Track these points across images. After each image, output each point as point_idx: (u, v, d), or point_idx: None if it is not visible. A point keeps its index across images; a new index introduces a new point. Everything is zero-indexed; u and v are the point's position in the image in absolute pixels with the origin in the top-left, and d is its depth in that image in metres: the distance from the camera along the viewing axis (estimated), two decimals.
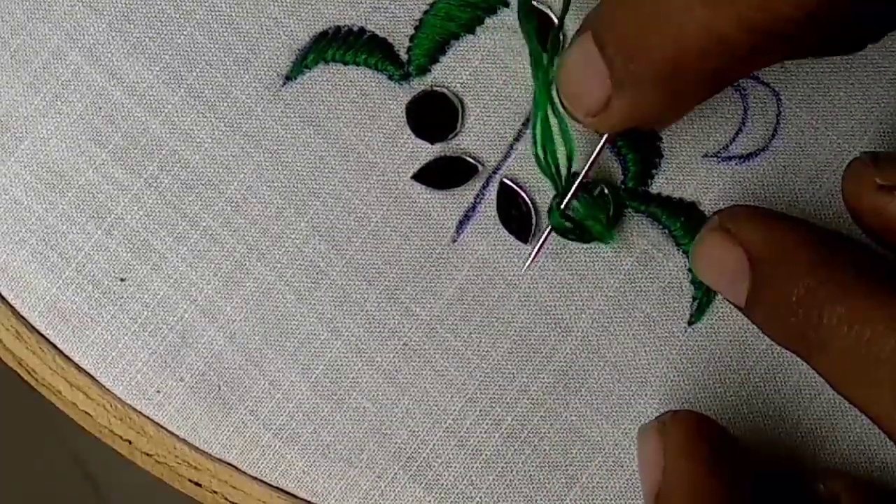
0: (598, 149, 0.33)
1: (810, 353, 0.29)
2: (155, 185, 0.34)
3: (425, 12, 0.34)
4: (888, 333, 0.28)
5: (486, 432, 0.34)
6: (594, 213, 0.33)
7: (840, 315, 0.28)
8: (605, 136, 0.33)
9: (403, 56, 0.34)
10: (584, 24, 0.31)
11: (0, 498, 0.68)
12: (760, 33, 0.28)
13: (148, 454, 0.35)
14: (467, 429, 0.34)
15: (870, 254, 0.31)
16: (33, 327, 0.35)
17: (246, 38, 0.34)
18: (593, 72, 0.30)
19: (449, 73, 0.34)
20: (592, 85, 0.30)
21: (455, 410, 0.34)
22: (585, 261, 0.34)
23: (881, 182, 0.31)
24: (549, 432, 0.34)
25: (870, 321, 0.28)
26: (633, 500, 0.34)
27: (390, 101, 0.34)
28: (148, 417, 0.35)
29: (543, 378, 0.34)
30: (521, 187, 0.34)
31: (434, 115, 0.34)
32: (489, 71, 0.34)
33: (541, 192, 0.34)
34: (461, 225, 0.34)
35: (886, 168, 0.31)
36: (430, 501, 0.34)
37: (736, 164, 0.34)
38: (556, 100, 0.32)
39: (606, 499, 0.34)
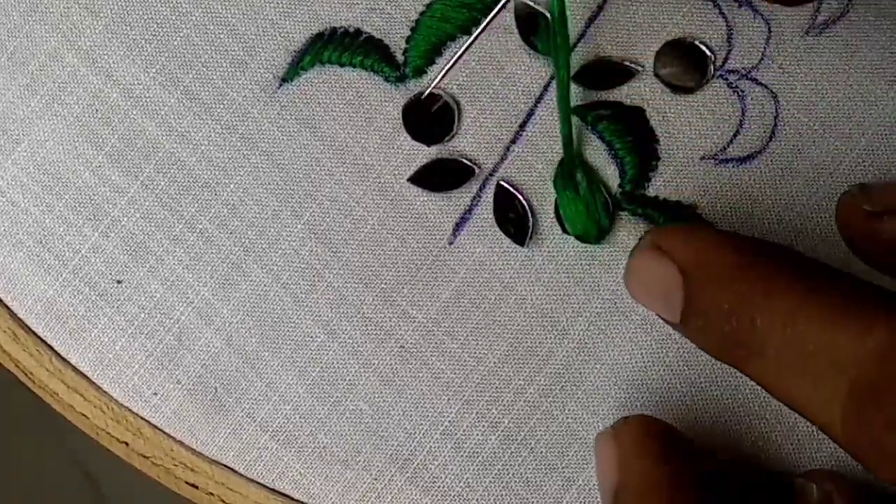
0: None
1: (748, 360, 0.29)
2: (151, 187, 0.34)
3: (421, 14, 0.34)
4: (824, 327, 0.28)
5: (482, 434, 0.34)
6: (590, 206, 0.33)
7: (774, 315, 0.28)
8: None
9: (400, 58, 0.34)
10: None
11: (0, 498, 0.68)
12: None
13: (145, 456, 0.35)
14: (464, 431, 0.34)
15: (798, 254, 0.31)
16: (30, 329, 0.35)
17: (242, 40, 0.34)
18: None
19: (447, 74, 0.34)
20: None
21: (452, 413, 0.34)
22: (582, 264, 0.34)
23: (869, 208, 0.31)
24: (545, 434, 0.34)
25: (804, 318, 0.28)
26: None
27: (387, 103, 0.34)
28: (145, 419, 0.35)
29: (540, 380, 0.34)
30: (517, 189, 0.34)
31: (430, 117, 0.34)
32: (485, 72, 0.34)
33: (537, 195, 0.34)
34: (458, 227, 0.34)
35: (874, 195, 0.31)
36: (426, 503, 0.34)
37: (733, 166, 0.34)
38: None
39: None
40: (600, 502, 0.32)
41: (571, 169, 0.34)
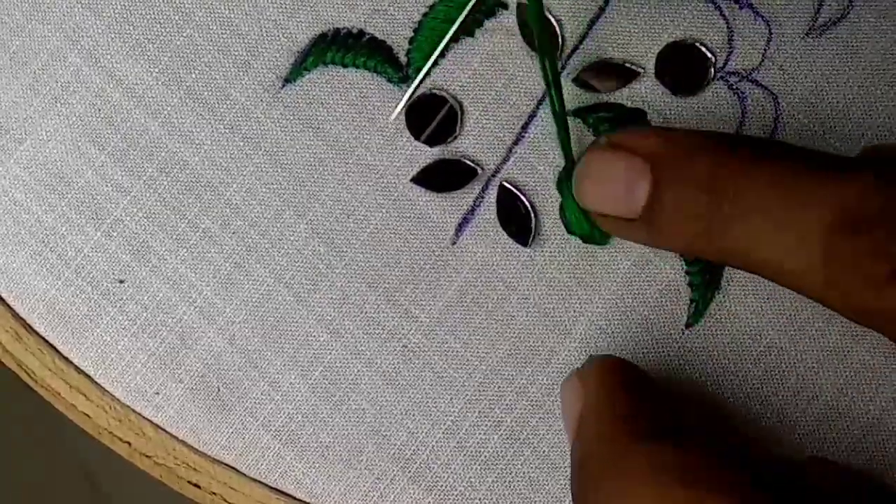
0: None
1: (725, 231, 0.29)
2: (154, 186, 0.34)
3: (424, 15, 0.34)
4: (808, 179, 0.28)
5: (485, 434, 0.34)
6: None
7: (757, 176, 0.29)
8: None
9: (402, 59, 0.34)
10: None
11: (0, 498, 0.68)
12: None
13: (147, 456, 0.35)
14: (466, 430, 0.34)
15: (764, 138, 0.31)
16: (33, 329, 0.35)
17: (245, 41, 0.34)
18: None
19: (448, 75, 0.34)
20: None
21: (454, 412, 0.34)
22: (583, 264, 0.34)
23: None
24: (548, 433, 0.34)
25: (788, 174, 0.29)
26: None
27: (390, 104, 0.34)
28: (147, 419, 0.35)
29: (542, 379, 0.34)
30: (520, 190, 0.34)
31: (433, 118, 0.34)
32: (488, 74, 0.34)
33: (540, 195, 0.34)
34: (460, 227, 0.34)
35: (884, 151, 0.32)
36: (429, 503, 0.34)
37: None
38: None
39: None
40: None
41: (572, 170, 0.34)
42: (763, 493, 0.27)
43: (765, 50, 0.34)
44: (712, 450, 0.28)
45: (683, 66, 0.34)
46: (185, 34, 0.34)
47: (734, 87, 0.34)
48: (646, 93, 0.34)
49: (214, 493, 0.35)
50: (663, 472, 0.28)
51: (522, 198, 0.34)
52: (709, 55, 0.34)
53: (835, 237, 0.28)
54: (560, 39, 0.34)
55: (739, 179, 0.29)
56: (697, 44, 0.34)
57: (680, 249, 0.31)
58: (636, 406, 0.30)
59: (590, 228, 0.34)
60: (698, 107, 0.34)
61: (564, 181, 0.34)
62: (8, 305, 0.35)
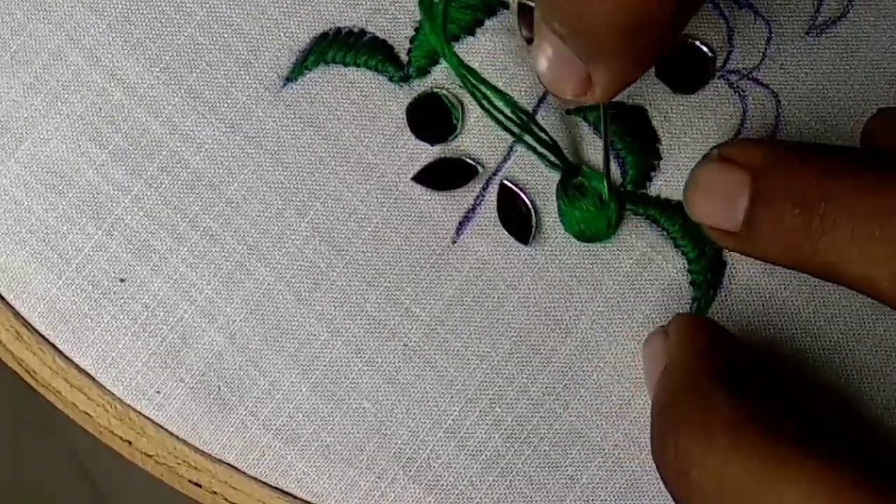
0: (603, 120, 0.33)
1: (817, 243, 0.29)
2: (155, 185, 0.34)
3: None
4: None
5: (486, 433, 0.34)
6: (596, 209, 0.34)
7: (852, 191, 0.29)
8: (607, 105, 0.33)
9: (404, 58, 0.34)
10: (536, 12, 0.31)
11: (0, 498, 0.68)
12: None
13: (148, 455, 0.35)
14: (467, 429, 0.34)
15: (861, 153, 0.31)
16: (33, 328, 0.35)
17: (246, 40, 0.34)
18: (561, 58, 0.30)
19: (449, 74, 0.34)
20: (567, 71, 0.30)
21: (455, 411, 0.34)
22: (585, 263, 0.34)
23: None
24: (548, 433, 0.34)
25: (880, 187, 0.28)
26: (633, 500, 0.34)
27: (391, 103, 0.34)
28: (148, 418, 0.35)
29: (543, 379, 0.34)
30: (520, 189, 0.34)
31: (434, 117, 0.34)
32: (489, 73, 0.34)
33: (540, 194, 0.34)
34: (461, 226, 0.34)
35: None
36: (430, 502, 0.34)
37: None
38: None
39: (606, 499, 0.34)
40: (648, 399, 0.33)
41: (568, 171, 0.34)
42: (842, 457, 0.27)
43: (765, 48, 0.34)
44: (791, 411, 0.29)
45: (684, 64, 0.34)
46: (186, 33, 0.34)
47: (734, 85, 0.34)
48: (646, 91, 0.34)
49: (215, 493, 0.35)
50: (745, 423, 0.28)
51: (523, 196, 0.34)
52: (709, 54, 0.34)
53: None
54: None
55: (830, 189, 0.29)
56: (698, 42, 0.34)
57: (783, 264, 0.31)
58: (722, 360, 0.31)
59: (584, 227, 0.34)
60: (699, 105, 0.34)
61: (560, 182, 0.34)
62: (8, 304, 0.35)
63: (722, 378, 0.30)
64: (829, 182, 0.29)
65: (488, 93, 0.33)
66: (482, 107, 0.33)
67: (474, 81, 0.33)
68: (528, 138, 0.34)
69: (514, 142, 0.34)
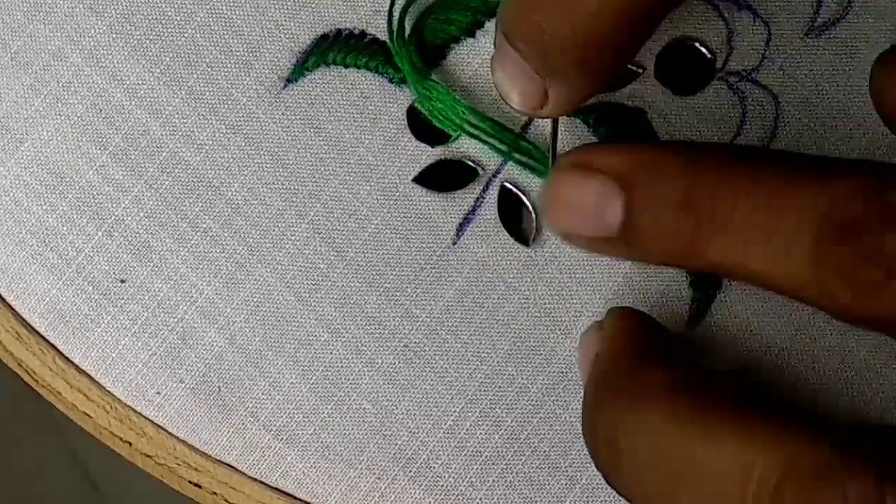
0: (552, 131, 0.33)
1: (706, 247, 0.28)
2: (155, 186, 0.34)
3: None
4: (787, 188, 0.27)
5: (485, 433, 0.34)
6: None
7: (734, 189, 0.28)
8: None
9: None
10: (497, 24, 0.31)
11: (0, 498, 0.68)
12: None
13: (148, 455, 0.35)
14: (467, 430, 0.34)
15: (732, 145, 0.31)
16: (33, 329, 0.35)
17: (247, 41, 0.34)
18: (519, 71, 0.30)
19: (449, 76, 0.34)
20: (524, 84, 0.30)
21: (455, 412, 0.34)
22: (584, 264, 0.34)
23: None
24: (548, 433, 0.34)
25: (766, 183, 0.28)
26: None
27: (391, 104, 0.34)
28: (148, 419, 0.35)
29: (543, 379, 0.34)
30: (521, 190, 0.34)
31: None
32: (489, 74, 0.34)
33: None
34: (461, 227, 0.34)
35: None
36: (429, 503, 0.34)
37: None
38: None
39: (606, 500, 0.34)
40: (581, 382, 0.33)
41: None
42: (774, 418, 0.27)
43: (764, 50, 0.34)
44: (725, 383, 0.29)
45: (683, 66, 0.34)
46: (186, 34, 0.34)
47: (734, 86, 0.34)
48: (646, 92, 0.34)
49: (215, 493, 0.35)
50: (676, 389, 0.28)
51: (523, 198, 0.34)
52: (708, 55, 0.34)
53: (822, 244, 0.27)
54: None
55: (718, 192, 0.28)
56: (697, 44, 0.34)
57: (667, 264, 0.30)
58: (653, 339, 0.31)
59: None
60: (698, 106, 0.34)
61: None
62: (9, 305, 0.35)
63: (654, 355, 0.30)
64: (712, 180, 0.28)
65: (474, 119, 0.33)
66: (468, 133, 0.33)
67: (461, 108, 0.33)
68: (517, 155, 0.34)
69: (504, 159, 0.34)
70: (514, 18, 0.29)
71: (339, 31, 0.34)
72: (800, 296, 0.28)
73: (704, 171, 0.28)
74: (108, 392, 0.35)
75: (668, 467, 0.27)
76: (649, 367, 0.29)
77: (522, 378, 0.34)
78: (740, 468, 0.26)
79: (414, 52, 0.33)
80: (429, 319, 0.34)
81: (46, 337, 0.35)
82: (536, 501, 0.34)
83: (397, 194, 0.34)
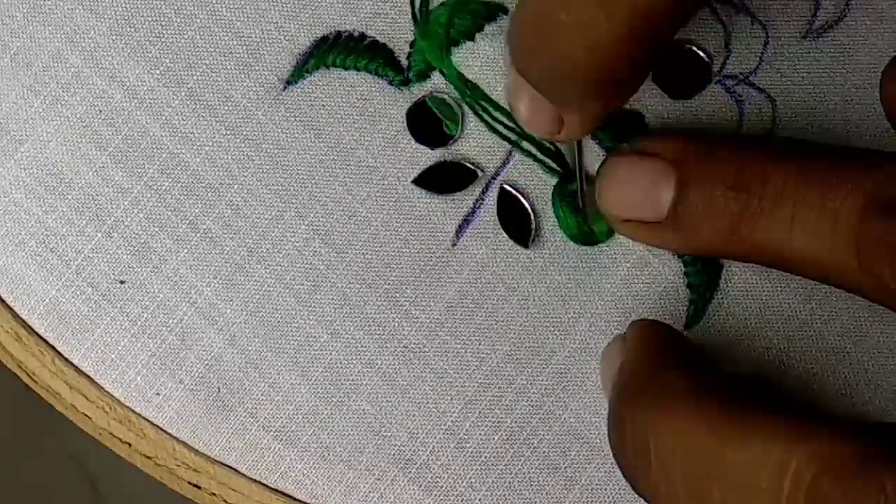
0: (577, 152, 0.33)
1: (753, 229, 0.29)
2: (155, 187, 0.34)
3: None
4: (834, 171, 0.28)
5: (485, 434, 0.34)
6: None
7: (784, 174, 0.29)
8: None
9: (404, 62, 0.34)
10: (505, 56, 0.31)
11: (0, 498, 0.68)
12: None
13: (147, 456, 0.35)
14: (466, 431, 0.34)
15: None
16: (33, 329, 0.35)
17: (247, 43, 0.34)
18: (533, 100, 0.31)
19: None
20: (539, 112, 0.31)
21: (454, 413, 0.34)
22: (583, 266, 0.34)
23: None
24: (548, 434, 0.34)
25: (817, 168, 0.29)
26: (632, 501, 0.34)
27: (390, 107, 0.34)
28: (147, 420, 0.35)
29: (542, 380, 0.34)
30: (520, 192, 0.34)
31: (434, 121, 0.34)
32: (488, 77, 0.34)
33: (540, 198, 0.34)
34: (461, 229, 0.34)
35: None
36: (429, 503, 0.34)
37: None
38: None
39: (606, 500, 0.34)
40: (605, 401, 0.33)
41: (565, 176, 0.34)
42: (806, 415, 0.27)
43: (762, 53, 0.34)
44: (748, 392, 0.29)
45: (680, 70, 0.34)
46: (186, 36, 0.34)
47: (731, 90, 0.34)
48: (643, 96, 0.34)
49: (214, 494, 0.35)
50: (704, 391, 0.29)
51: (522, 200, 0.34)
52: (706, 58, 0.34)
53: (867, 222, 0.28)
54: None
55: (767, 172, 0.29)
56: (694, 47, 0.34)
57: (710, 250, 0.31)
58: (675, 346, 0.31)
59: (582, 234, 0.34)
60: (696, 110, 0.34)
61: (556, 186, 0.34)
62: (8, 306, 0.35)
63: (678, 360, 0.31)
64: (762, 162, 0.29)
65: (488, 106, 0.33)
66: (480, 117, 0.33)
67: (474, 98, 0.33)
68: (525, 144, 0.34)
69: (512, 147, 0.34)
70: (523, 54, 0.30)
71: (338, 34, 0.34)
72: (842, 278, 0.29)
73: (754, 155, 0.30)
74: (108, 393, 0.35)
75: (699, 468, 0.28)
76: (675, 372, 0.30)
77: (522, 379, 0.34)
78: (774, 465, 0.26)
79: (442, 38, 0.33)
80: (428, 320, 0.34)
81: (46, 338, 0.35)
82: (536, 502, 0.34)
83: (397, 196, 0.34)
